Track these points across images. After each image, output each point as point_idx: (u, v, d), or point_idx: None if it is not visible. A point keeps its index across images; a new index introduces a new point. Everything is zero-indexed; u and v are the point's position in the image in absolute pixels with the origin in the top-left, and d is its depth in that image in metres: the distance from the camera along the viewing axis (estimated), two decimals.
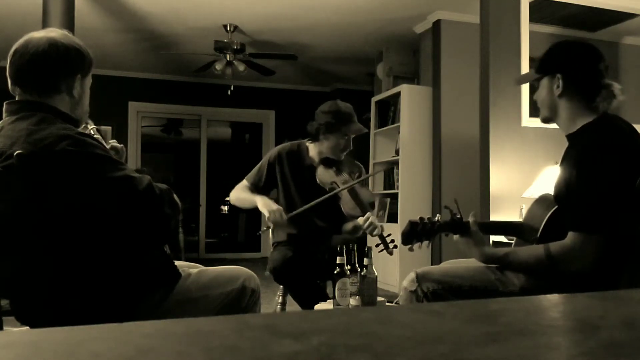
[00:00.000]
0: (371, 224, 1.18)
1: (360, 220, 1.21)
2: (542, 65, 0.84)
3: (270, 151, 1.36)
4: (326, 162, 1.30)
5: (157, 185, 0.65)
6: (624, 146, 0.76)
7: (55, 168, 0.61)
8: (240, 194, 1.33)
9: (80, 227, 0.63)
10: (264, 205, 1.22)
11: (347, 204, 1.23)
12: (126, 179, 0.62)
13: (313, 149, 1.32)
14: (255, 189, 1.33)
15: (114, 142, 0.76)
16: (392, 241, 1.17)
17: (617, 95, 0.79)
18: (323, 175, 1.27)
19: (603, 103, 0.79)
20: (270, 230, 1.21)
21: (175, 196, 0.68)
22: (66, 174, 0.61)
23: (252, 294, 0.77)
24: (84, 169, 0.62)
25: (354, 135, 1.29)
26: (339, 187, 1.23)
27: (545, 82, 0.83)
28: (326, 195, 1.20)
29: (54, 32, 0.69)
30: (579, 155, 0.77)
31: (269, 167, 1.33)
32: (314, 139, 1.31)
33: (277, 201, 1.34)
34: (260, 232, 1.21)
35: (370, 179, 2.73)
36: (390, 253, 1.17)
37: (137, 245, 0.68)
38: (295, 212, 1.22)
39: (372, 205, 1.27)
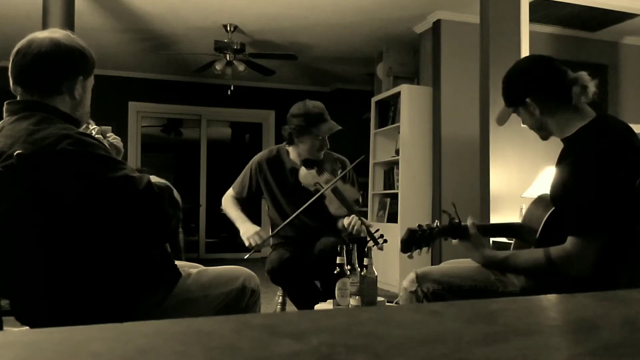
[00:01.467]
0: (355, 224, 1.18)
1: (345, 221, 1.21)
2: (509, 100, 0.85)
3: (251, 161, 1.35)
4: (307, 163, 1.29)
5: (158, 184, 0.65)
6: (621, 147, 0.76)
7: (55, 168, 0.61)
8: (227, 209, 1.33)
9: (80, 226, 0.62)
10: (243, 232, 1.24)
11: (332, 204, 1.22)
12: (126, 179, 0.62)
13: (293, 152, 1.32)
14: (240, 198, 1.33)
15: (112, 139, 0.76)
16: (382, 236, 1.17)
17: (588, 83, 0.79)
18: (305, 177, 1.27)
19: (580, 97, 0.79)
20: (253, 250, 1.21)
21: (176, 194, 0.68)
22: (66, 174, 0.61)
23: (252, 294, 0.77)
24: (83, 168, 0.61)
25: (327, 135, 1.28)
26: (323, 187, 1.22)
27: (522, 110, 0.84)
28: (311, 200, 1.20)
29: (57, 33, 0.69)
30: (576, 158, 0.77)
31: (250, 179, 1.32)
32: (290, 142, 1.30)
33: (268, 209, 1.33)
34: (246, 257, 1.21)
35: (370, 179, 2.72)
36: (380, 248, 1.16)
37: (137, 245, 0.68)
38: (279, 227, 1.22)
39: (357, 203, 1.26)
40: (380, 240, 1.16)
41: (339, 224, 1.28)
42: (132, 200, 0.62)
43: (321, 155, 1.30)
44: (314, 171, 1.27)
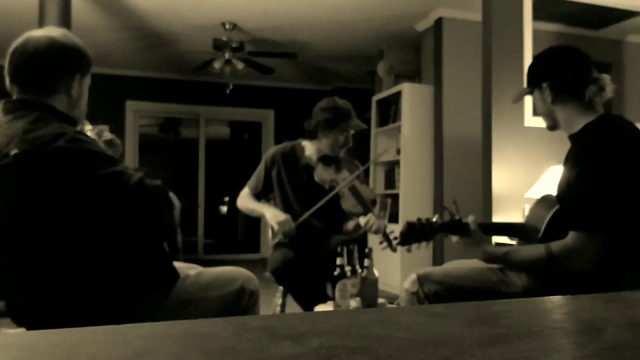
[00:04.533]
0: (373, 223, 1.18)
1: (362, 220, 1.20)
2: (529, 80, 0.86)
3: (266, 155, 1.35)
4: (325, 159, 1.28)
5: (151, 182, 0.64)
6: (625, 145, 0.76)
7: (50, 166, 0.60)
8: (247, 204, 1.33)
9: (77, 226, 0.62)
10: (272, 217, 1.22)
11: (348, 202, 1.22)
12: (117, 174, 0.62)
13: (310, 148, 1.31)
14: (256, 195, 1.32)
15: (109, 135, 0.75)
16: (396, 238, 1.16)
17: (606, 86, 0.80)
18: (322, 173, 1.26)
19: (595, 97, 0.80)
20: (278, 237, 1.21)
21: (171, 194, 0.67)
22: (61, 172, 0.61)
23: (251, 295, 0.76)
24: (77, 165, 0.61)
25: (353, 132, 1.28)
26: (339, 185, 1.21)
27: (536, 94, 0.85)
28: (329, 195, 1.19)
29: (54, 32, 0.69)
30: (579, 154, 0.78)
31: (265, 172, 1.32)
32: (312, 136, 1.29)
33: (274, 204, 1.33)
34: (272, 244, 1.22)
35: (371, 178, 2.71)
36: (394, 250, 1.16)
37: (134, 244, 0.67)
38: (302, 218, 1.21)
39: (373, 203, 1.25)
40: (395, 242, 1.15)
41: (350, 225, 1.27)
42: (123, 195, 0.62)
43: (342, 153, 1.29)
44: (331, 168, 1.26)
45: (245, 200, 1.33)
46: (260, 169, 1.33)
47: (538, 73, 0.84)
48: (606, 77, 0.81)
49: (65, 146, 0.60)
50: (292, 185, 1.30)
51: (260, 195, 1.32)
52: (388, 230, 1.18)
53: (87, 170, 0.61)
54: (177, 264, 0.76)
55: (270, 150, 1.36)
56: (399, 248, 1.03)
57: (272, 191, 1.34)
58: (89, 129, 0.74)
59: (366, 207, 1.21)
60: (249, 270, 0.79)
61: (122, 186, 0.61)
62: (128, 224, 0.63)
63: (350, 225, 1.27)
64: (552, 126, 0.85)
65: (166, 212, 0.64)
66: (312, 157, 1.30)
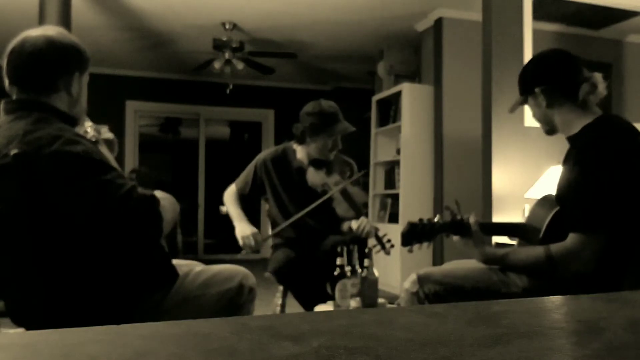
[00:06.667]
0: (364, 227, 1.18)
1: (353, 224, 1.21)
2: (521, 87, 0.87)
3: (256, 159, 1.34)
4: (316, 163, 1.28)
5: (142, 192, 0.63)
6: (624, 146, 0.76)
7: (45, 169, 0.60)
8: (228, 204, 1.33)
9: (73, 227, 0.62)
10: (238, 232, 1.23)
11: (340, 207, 1.23)
12: (105, 184, 0.61)
13: (301, 151, 1.31)
14: (242, 195, 1.32)
15: (107, 135, 0.75)
16: (389, 241, 1.17)
17: (599, 84, 0.80)
18: (314, 177, 1.26)
19: (589, 97, 0.80)
20: (246, 251, 1.21)
21: (168, 196, 0.66)
22: (54, 176, 0.61)
23: (250, 291, 0.77)
24: (67, 171, 0.61)
25: (340, 135, 1.28)
26: (331, 189, 1.21)
27: (531, 101, 0.85)
28: (319, 200, 1.19)
29: (51, 30, 0.69)
30: (578, 155, 0.78)
31: (254, 176, 1.31)
32: (301, 141, 1.29)
33: (269, 208, 1.32)
34: (239, 257, 1.21)
35: (371, 179, 2.72)
36: (388, 253, 1.17)
37: (127, 247, 0.67)
38: (282, 226, 1.21)
39: (365, 206, 1.27)
40: (388, 245, 1.16)
41: (345, 227, 1.27)
42: (108, 207, 0.61)
43: (332, 156, 1.29)
44: (322, 172, 1.26)
45: (229, 201, 1.32)
46: (249, 172, 1.32)
47: (529, 80, 0.84)
48: (597, 75, 0.80)
49: (59, 150, 0.60)
50: (286, 189, 1.30)
51: (246, 197, 1.31)
52: (381, 234, 1.18)
53: (76, 176, 0.61)
54: (177, 262, 0.76)
55: (260, 155, 1.35)
56: (399, 249, 1.03)
57: (260, 196, 1.33)
58: (89, 125, 0.73)
59: (358, 211, 1.21)
60: (249, 271, 0.80)
61: (108, 197, 0.61)
62: (115, 232, 0.63)
63: (345, 227, 1.27)
64: (550, 130, 0.85)
65: (152, 224, 0.63)
66: (304, 160, 1.30)
